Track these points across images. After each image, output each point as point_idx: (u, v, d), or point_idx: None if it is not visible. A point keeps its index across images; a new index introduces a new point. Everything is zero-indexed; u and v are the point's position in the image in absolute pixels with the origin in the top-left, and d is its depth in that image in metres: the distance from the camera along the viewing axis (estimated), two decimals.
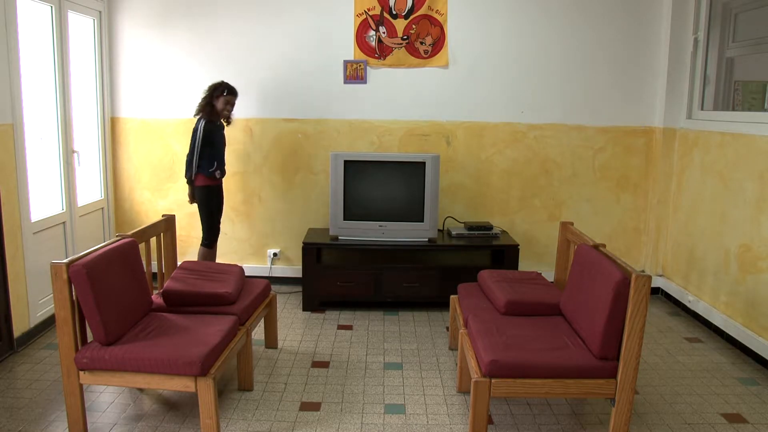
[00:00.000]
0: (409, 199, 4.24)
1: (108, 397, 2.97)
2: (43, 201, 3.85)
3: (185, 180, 4.14)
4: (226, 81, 4.12)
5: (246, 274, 3.56)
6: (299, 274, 4.50)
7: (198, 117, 4.07)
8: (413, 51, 4.49)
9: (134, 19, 4.53)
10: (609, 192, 4.69)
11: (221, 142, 4.11)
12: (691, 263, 4.25)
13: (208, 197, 4.12)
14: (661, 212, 4.61)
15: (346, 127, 4.61)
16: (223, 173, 4.13)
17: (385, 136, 4.63)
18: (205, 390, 2.48)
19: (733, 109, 4.17)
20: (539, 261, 4.72)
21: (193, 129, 4.05)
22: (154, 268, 3.46)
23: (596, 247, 2.87)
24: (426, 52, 4.50)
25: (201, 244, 4.20)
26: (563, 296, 3.02)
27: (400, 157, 4.30)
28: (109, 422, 2.76)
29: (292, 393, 3.06)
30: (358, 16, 4.47)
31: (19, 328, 3.48)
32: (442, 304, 4.10)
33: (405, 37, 4.47)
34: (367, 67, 4.52)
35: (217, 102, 4.04)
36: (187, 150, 4.14)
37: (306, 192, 4.69)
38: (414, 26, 4.45)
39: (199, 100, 4.08)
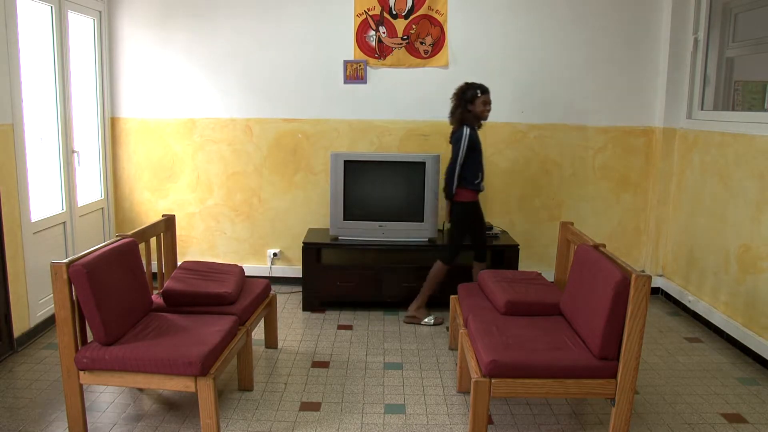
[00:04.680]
0: (409, 199, 4.24)
1: (108, 397, 2.97)
2: (43, 201, 3.84)
3: (444, 196, 3.88)
4: (472, 81, 3.82)
5: (246, 274, 3.55)
6: (299, 274, 4.50)
7: (460, 125, 3.77)
8: (413, 51, 4.49)
9: (134, 19, 4.53)
10: (609, 192, 4.69)
11: (481, 149, 3.85)
12: (691, 263, 4.25)
13: (474, 213, 3.88)
14: (661, 212, 4.61)
15: (346, 127, 4.61)
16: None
17: (385, 136, 4.63)
18: (205, 390, 2.48)
19: (733, 109, 4.17)
20: (539, 261, 4.72)
21: (453, 139, 3.79)
22: (154, 268, 3.46)
23: (596, 247, 2.87)
24: (426, 52, 4.50)
25: (475, 260, 4.01)
26: (563, 296, 3.02)
27: (400, 157, 4.30)
28: (109, 422, 2.76)
29: (292, 393, 3.06)
30: (358, 16, 4.47)
31: (19, 328, 3.48)
32: (442, 304, 4.10)
33: (405, 37, 4.47)
34: (367, 67, 4.52)
35: (474, 106, 3.75)
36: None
37: (306, 192, 4.69)
38: (414, 26, 4.45)
39: (451, 108, 3.83)
